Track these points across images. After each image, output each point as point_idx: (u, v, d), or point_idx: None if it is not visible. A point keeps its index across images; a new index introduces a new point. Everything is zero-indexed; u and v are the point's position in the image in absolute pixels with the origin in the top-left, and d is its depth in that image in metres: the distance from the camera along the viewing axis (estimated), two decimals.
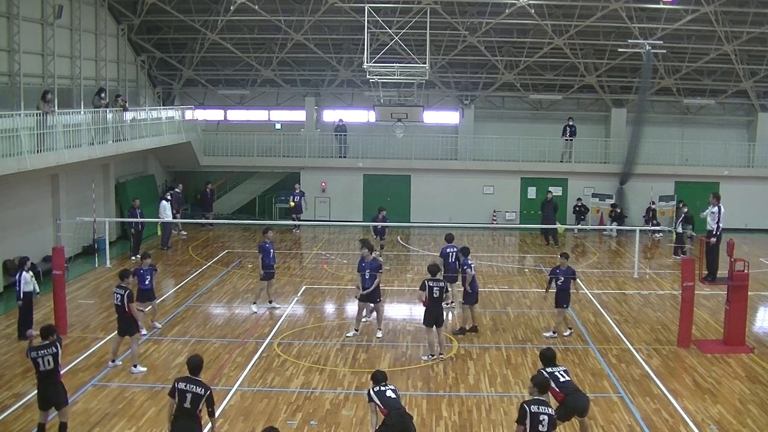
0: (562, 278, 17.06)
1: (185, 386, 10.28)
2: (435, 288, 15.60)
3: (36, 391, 11.64)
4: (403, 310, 19.86)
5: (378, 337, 17.19)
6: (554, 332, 17.45)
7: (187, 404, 10.21)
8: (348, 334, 17.39)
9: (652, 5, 28.52)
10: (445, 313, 18.88)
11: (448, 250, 19.11)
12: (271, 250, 19.37)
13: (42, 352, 11.31)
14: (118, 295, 14.75)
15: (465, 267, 17.57)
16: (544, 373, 11.16)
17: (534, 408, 9.65)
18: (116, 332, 15.19)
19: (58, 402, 11.49)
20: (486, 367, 15.54)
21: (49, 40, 24.03)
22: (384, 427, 10.41)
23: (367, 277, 17.08)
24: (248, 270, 24.15)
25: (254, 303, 19.43)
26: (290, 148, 33.39)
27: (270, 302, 19.51)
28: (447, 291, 15.90)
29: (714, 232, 17.10)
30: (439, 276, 15.97)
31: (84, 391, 13.79)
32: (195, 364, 10.57)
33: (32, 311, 16.96)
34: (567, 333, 17.53)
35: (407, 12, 28.13)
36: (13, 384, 14.22)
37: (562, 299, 17.20)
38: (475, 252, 27.54)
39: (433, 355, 15.87)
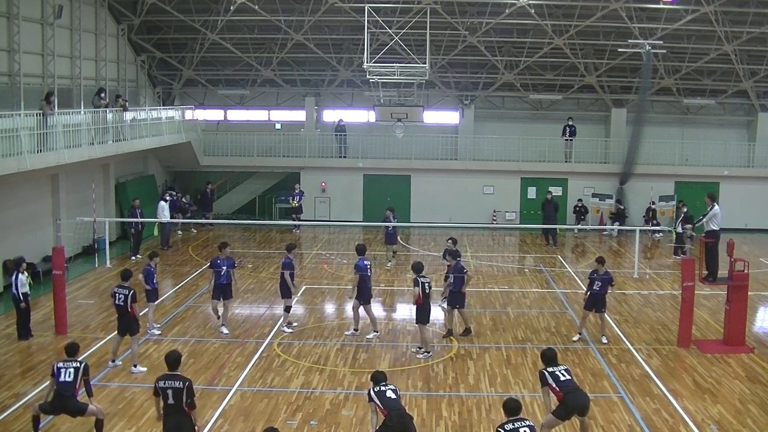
0: (600, 282, 16.89)
1: (164, 383, 10.42)
2: (426, 284, 15.94)
3: (51, 398, 11.72)
4: (404, 310, 19.84)
5: (368, 338, 17.20)
6: (581, 334, 17.32)
7: (170, 400, 10.33)
8: (347, 333, 17.40)
9: (652, 5, 28.52)
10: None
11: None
12: (224, 268, 17.48)
13: (67, 364, 11.60)
14: (122, 296, 14.74)
15: (465, 271, 17.49)
16: (546, 372, 11.18)
17: (509, 426, 9.53)
18: (116, 332, 15.18)
19: (76, 412, 11.62)
20: (486, 367, 15.54)
21: (49, 40, 24.03)
22: (384, 428, 10.41)
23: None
24: (248, 270, 24.16)
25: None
26: (290, 148, 33.39)
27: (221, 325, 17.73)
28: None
29: (696, 223, 16.98)
30: (424, 272, 16.18)
31: (84, 391, 13.76)
32: (173, 360, 10.70)
33: (30, 311, 17.01)
34: (576, 338, 17.30)
35: (407, 12, 28.14)
36: (13, 384, 14.22)
37: (598, 303, 16.95)
38: (475, 252, 27.67)
39: (428, 352, 15.98)
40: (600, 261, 17.33)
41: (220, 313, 17.74)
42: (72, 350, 11.93)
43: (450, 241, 19.51)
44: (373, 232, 30.71)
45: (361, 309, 17.33)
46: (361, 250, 17.58)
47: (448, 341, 17.06)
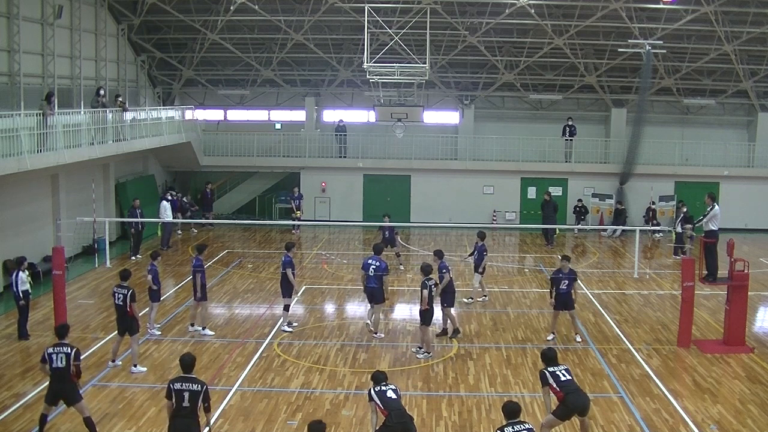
0: (567, 281, 16.92)
1: (181, 386, 10.27)
2: (433, 286, 15.86)
3: (47, 386, 11.89)
4: (403, 310, 19.85)
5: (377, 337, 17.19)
6: (553, 333, 17.30)
7: (185, 403, 10.20)
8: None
9: (652, 5, 28.52)
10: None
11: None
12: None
13: (57, 349, 11.66)
14: (120, 296, 14.74)
15: (444, 271, 16.97)
16: (546, 372, 11.17)
17: (509, 429, 9.55)
18: (116, 332, 15.19)
19: (71, 398, 11.68)
20: (486, 367, 15.54)
21: (49, 40, 24.03)
22: (384, 428, 10.40)
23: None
24: (248, 270, 24.16)
25: (201, 327, 17.51)
26: (290, 148, 33.40)
27: (202, 327, 17.47)
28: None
29: (696, 224, 17.00)
30: (432, 275, 16.09)
31: (84, 391, 13.74)
32: (188, 363, 10.57)
33: (28, 310, 17.05)
34: (550, 337, 17.26)
35: (407, 12, 28.14)
36: (13, 384, 14.22)
37: (567, 302, 16.99)
38: None
39: (429, 352, 15.96)
40: (565, 259, 17.25)
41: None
42: (62, 332, 12.00)
43: (478, 236, 19.81)
44: (373, 232, 30.68)
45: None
46: (374, 250, 17.53)
47: (449, 341, 17.06)
